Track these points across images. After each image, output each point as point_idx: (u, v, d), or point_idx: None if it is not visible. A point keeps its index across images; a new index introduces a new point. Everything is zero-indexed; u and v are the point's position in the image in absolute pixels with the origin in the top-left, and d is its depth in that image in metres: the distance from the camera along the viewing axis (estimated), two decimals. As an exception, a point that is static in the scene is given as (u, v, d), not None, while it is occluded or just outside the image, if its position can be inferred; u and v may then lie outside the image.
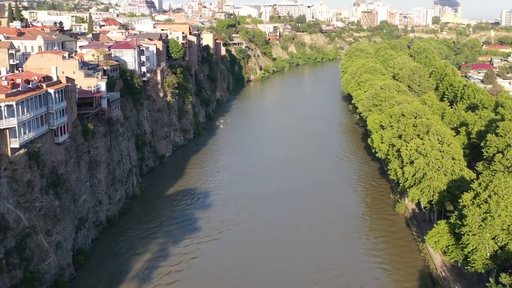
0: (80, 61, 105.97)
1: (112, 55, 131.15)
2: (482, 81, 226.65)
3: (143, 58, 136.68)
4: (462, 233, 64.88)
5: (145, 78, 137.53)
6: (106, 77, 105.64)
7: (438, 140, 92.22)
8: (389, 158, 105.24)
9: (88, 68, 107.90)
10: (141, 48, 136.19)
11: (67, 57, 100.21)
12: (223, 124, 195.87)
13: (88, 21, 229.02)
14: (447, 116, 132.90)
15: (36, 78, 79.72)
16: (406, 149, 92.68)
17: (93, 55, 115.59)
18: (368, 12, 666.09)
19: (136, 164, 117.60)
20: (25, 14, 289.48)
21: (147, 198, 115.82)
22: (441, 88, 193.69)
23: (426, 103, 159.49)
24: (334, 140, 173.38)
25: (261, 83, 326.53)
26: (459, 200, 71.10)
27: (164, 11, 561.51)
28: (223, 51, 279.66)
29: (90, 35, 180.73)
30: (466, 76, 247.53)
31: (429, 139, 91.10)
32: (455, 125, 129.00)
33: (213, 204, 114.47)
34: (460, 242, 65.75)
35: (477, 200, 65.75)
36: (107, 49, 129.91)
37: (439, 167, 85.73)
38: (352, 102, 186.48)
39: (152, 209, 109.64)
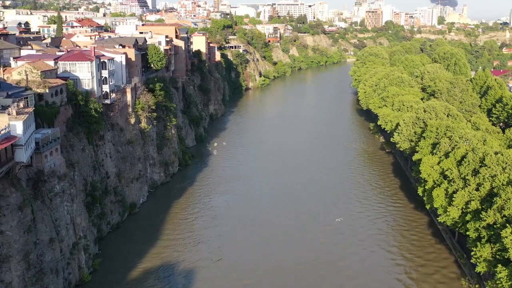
0: (-8, 84, 68.96)
1: (61, 70, 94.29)
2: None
3: (105, 73, 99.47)
4: None
5: (108, 101, 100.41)
6: (30, 109, 68.33)
7: None
8: (468, 233, 68.43)
9: (8, 94, 70.81)
10: (102, 60, 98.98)
11: (-41, 82, 63.00)
12: (217, 148, 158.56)
13: (57, 21, 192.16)
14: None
15: None
16: (514, 236, 55.92)
17: (19, 72, 78.30)
18: (372, 12, 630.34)
19: (85, 234, 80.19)
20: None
21: (100, 284, 78.53)
22: (484, 105, 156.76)
23: (479, 128, 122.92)
24: (355, 172, 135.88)
25: (261, 92, 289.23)
26: None
27: (158, 11, 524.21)
28: (217, 56, 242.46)
29: (48, 40, 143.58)
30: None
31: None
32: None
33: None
34: None
35: None
36: (52, 62, 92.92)
37: None
38: (378, 123, 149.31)
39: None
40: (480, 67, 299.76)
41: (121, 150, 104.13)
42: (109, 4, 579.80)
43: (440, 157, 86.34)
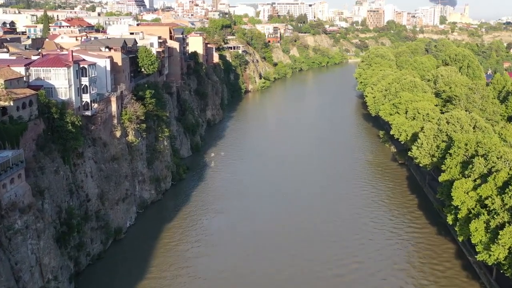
0: None
1: (33, 78, 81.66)
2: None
3: (85, 81, 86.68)
4: None
5: (88, 112, 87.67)
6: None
7: None
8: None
9: (-42, 110, 58.12)
10: (81, 65, 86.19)
11: None
12: (214, 159, 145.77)
13: (43, 21, 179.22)
14: None
15: None
16: None
17: (-24, 83, 65.66)
18: (374, 11, 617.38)
19: (55, 275, 67.31)
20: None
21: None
22: (504, 112, 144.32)
23: (506, 140, 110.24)
24: (366, 186, 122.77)
25: (261, 94, 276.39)
26: None
27: (155, 10, 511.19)
28: (215, 57, 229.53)
29: (29, 42, 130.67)
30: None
31: None
32: None
33: None
34: None
35: None
36: (22, 69, 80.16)
37: None
38: (391, 133, 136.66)
39: None
40: (490, 69, 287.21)
41: (104, 168, 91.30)
42: (106, 3, 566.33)
43: (475, 180, 73.71)
